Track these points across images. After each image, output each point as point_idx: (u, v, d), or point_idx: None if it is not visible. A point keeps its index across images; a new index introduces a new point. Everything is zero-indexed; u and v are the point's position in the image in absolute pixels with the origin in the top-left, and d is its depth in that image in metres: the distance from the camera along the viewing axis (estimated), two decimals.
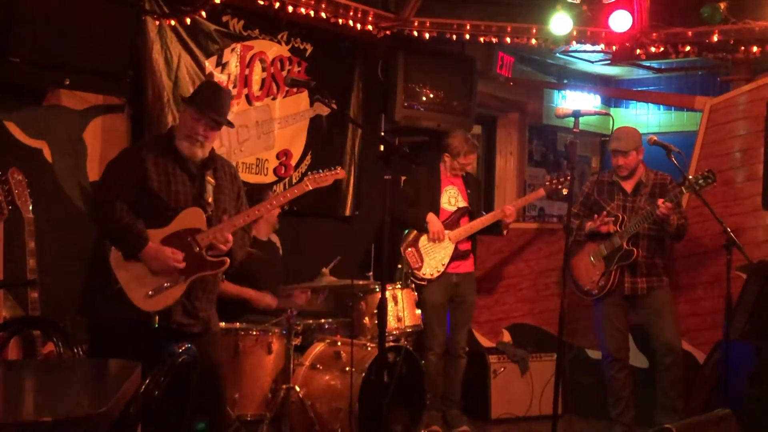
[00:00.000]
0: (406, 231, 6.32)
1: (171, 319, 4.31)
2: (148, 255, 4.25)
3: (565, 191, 6.22)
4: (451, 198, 6.36)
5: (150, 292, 4.26)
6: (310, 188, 4.76)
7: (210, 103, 4.41)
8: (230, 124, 4.58)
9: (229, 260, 4.42)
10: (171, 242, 4.30)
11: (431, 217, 6.23)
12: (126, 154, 4.58)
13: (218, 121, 4.42)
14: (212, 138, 4.47)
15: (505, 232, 6.46)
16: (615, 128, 6.01)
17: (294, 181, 6.72)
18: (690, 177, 5.68)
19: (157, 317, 4.26)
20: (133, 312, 4.23)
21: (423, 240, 6.25)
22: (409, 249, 6.25)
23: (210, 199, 4.41)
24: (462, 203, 6.39)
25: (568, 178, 5.15)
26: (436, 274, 6.22)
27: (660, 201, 5.73)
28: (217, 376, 4.56)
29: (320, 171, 4.82)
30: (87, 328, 4.46)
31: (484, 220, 6.34)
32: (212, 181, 4.46)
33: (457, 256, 6.27)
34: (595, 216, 6.02)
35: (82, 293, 4.43)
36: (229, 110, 4.64)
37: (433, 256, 6.23)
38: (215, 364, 4.54)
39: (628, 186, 6.01)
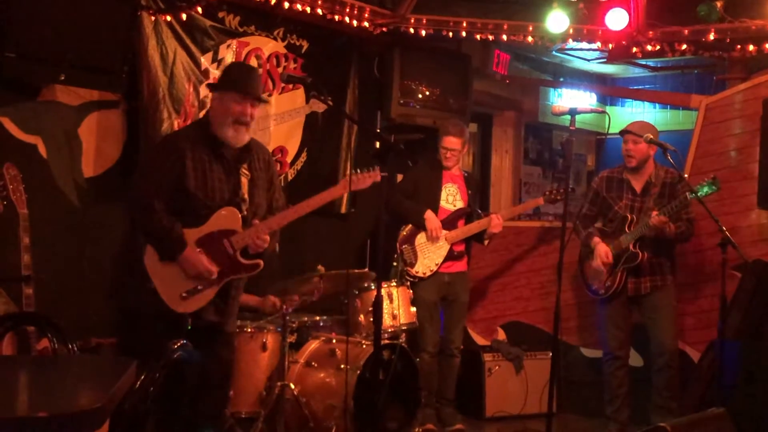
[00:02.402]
0: (402, 226, 6.30)
1: (202, 319, 4.32)
2: (184, 260, 4.27)
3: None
4: (450, 196, 6.33)
5: (184, 294, 4.28)
6: (347, 191, 4.85)
7: (251, 84, 4.47)
8: (267, 102, 4.62)
9: (262, 263, 4.42)
10: (206, 243, 4.31)
11: (429, 214, 6.20)
12: (165, 147, 4.54)
13: (261, 100, 4.50)
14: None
15: (486, 242, 6.46)
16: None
17: (290, 178, 6.71)
18: (687, 180, 5.67)
19: (190, 319, 4.27)
20: (167, 311, 4.26)
21: (419, 238, 6.23)
22: (405, 245, 6.24)
23: (245, 195, 4.41)
24: (460, 203, 6.36)
25: (569, 189, 5.14)
26: (428, 273, 6.20)
27: (653, 213, 5.72)
28: (226, 375, 4.61)
29: (357, 172, 4.80)
30: (120, 324, 4.47)
31: (480, 224, 6.32)
32: (247, 173, 4.46)
33: (451, 256, 6.26)
34: (598, 239, 6.03)
35: (117, 288, 4.44)
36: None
37: (428, 255, 6.21)
38: (226, 362, 4.60)
39: (638, 185, 5.99)
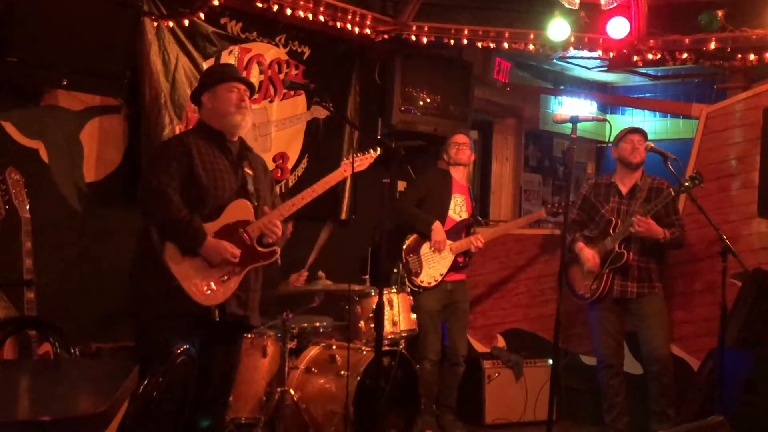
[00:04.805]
0: (407, 235, 6.31)
1: (226, 312, 4.34)
2: (207, 249, 4.26)
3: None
4: (457, 206, 6.36)
5: (210, 286, 4.29)
6: (348, 174, 4.83)
7: (234, 72, 4.68)
8: (253, 85, 4.72)
9: (279, 250, 4.49)
10: (223, 235, 4.33)
11: (437, 226, 6.21)
12: (172, 143, 4.60)
13: (244, 81, 4.58)
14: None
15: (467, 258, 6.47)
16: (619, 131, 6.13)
17: (291, 184, 6.72)
18: (691, 193, 5.70)
19: (217, 311, 4.30)
20: (192, 306, 4.25)
21: (425, 248, 6.25)
22: (411, 255, 6.25)
23: (252, 190, 4.46)
24: (465, 214, 6.40)
25: (569, 201, 5.16)
26: (433, 283, 6.22)
27: (635, 218, 5.75)
28: (233, 378, 4.63)
29: (356, 154, 4.88)
30: (138, 326, 4.45)
31: (468, 241, 6.34)
32: (250, 171, 4.51)
33: (455, 267, 6.28)
34: (582, 245, 6.05)
35: (131, 292, 4.40)
36: None
37: (433, 266, 6.23)
38: (235, 366, 4.66)
39: (624, 188, 6.02)
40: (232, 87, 4.49)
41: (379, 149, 4.88)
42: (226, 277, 4.33)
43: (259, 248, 4.43)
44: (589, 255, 5.96)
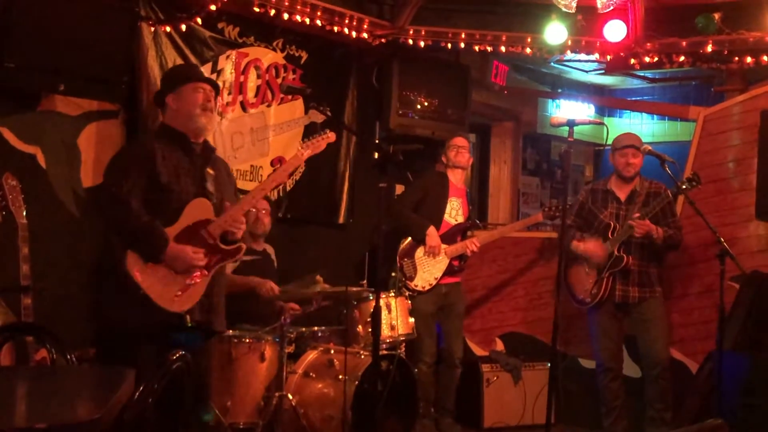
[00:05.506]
0: (402, 239, 6.30)
1: (192, 318, 4.27)
2: (170, 255, 4.19)
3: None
4: (453, 210, 6.36)
5: (177, 293, 4.22)
6: (306, 157, 4.69)
7: (197, 72, 4.64)
8: (218, 86, 4.67)
9: (244, 246, 4.41)
10: (185, 238, 4.25)
11: (431, 231, 6.21)
12: (134, 146, 4.54)
13: (210, 82, 4.52)
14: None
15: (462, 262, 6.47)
16: (617, 135, 6.08)
17: (288, 188, 6.71)
18: (688, 195, 5.71)
19: (188, 316, 4.23)
20: (162, 315, 4.18)
21: (419, 252, 6.25)
22: (405, 259, 6.25)
23: (211, 189, 4.39)
24: (461, 218, 6.39)
25: (567, 204, 5.15)
26: (427, 287, 6.22)
27: (634, 222, 5.74)
28: (207, 382, 4.60)
29: (311, 138, 4.73)
30: (104, 339, 4.40)
31: (464, 245, 6.33)
32: (211, 172, 4.44)
33: (450, 271, 6.29)
34: (578, 242, 6.04)
35: (97, 306, 4.35)
36: None
37: (427, 269, 6.23)
38: (207, 369, 4.62)
39: (622, 194, 6.02)
40: (197, 87, 4.42)
41: (334, 130, 4.76)
42: (193, 281, 4.26)
43: (223, 246, 4.35)
44: (591, 246, 5.95)
